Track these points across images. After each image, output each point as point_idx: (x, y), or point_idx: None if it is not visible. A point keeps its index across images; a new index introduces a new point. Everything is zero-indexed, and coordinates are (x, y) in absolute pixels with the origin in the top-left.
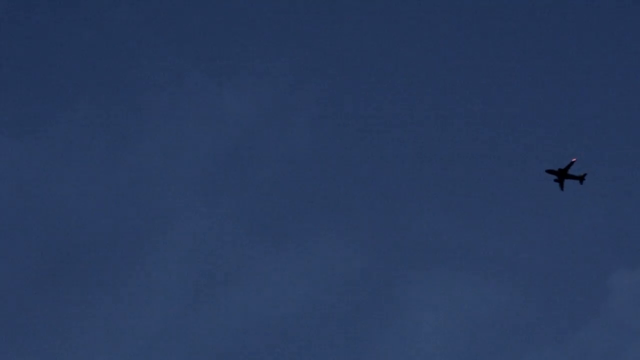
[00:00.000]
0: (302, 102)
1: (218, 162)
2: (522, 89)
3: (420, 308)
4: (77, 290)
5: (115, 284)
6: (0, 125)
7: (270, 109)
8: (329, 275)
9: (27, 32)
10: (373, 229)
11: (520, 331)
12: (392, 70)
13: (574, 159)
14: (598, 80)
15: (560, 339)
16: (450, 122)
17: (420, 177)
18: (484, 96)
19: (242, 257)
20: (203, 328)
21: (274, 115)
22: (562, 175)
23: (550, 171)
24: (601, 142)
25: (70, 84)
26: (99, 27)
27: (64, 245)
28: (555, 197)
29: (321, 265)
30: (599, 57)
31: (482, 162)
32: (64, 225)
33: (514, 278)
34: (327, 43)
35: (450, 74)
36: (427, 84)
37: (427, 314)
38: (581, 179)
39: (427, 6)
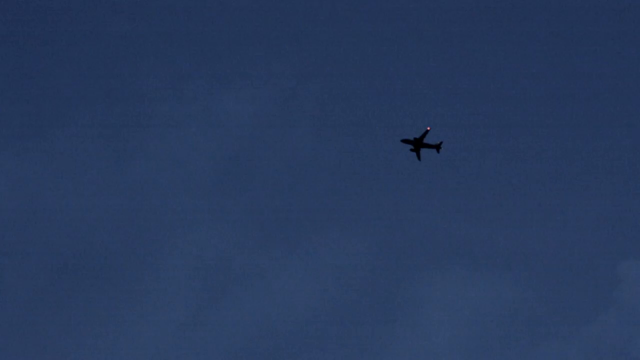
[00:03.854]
0: (303, 104)
1: (222, 167)
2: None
3: (431, 305)
4: (86, 299)
5: (123, 292)
6: (2, 138)
7: (272, 113)
8: (338, 276)
9: (26, 45)
10: (380, 228)
11: (533, 325)
12: (393, 70)
13: (428, 128)
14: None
15: (573, 331)
16: (454, 121)
17: (426, 175)
18: (485, 95)
19: (250, 261)
20: (213, 333)
21: (275, 119)
22: (417, 145)
23: (405, 141)
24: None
25: (70, 95)
26: (97, 38)
27: (71, 255)
28: (559, 188)
29: (329, 266)
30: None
31: (487, 159)
32: (70, 236)
33: (523, 272)
34: (326, 45)
35: (452, 72)
36: (429, 83)
37: (438, 311)
38: (437, 147)
39: (427, 9)
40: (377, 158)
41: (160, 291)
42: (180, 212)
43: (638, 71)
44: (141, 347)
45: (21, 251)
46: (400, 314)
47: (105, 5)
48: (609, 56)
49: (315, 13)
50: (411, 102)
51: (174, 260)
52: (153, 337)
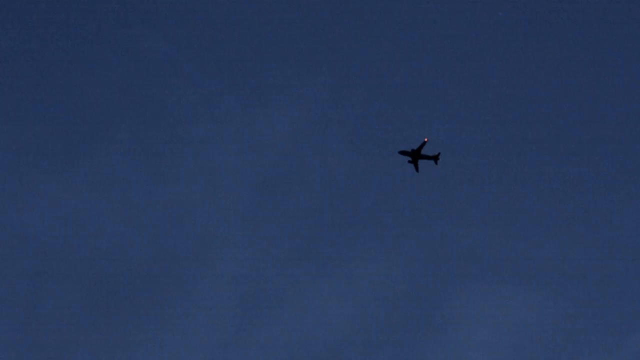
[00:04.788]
0: (337, 123)
1: (257, 187)
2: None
3: (470, 322)
4: (123, 320)
5: (161, 313)
6: (39, 159)
7: (306, 131)
8: (375, 295)
9: (63, 66)
10: (416, 246)
11: (574, 340)
12: (428, 87)
13: (425, 139)
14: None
15: (615, 345)
16: (485, 135)
17: (460, 191)
18: (514, 113)
19: (286, 281)
20: (251, 352)
21: (309, 137)
22: (415, 156)
23: (403, 152)
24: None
25: (106, 116)
26: (132, 58)
27: (108, 276)
28: (577, 205)
29: (366, 285)
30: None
31: (522, 173)
32: (108, 256)
33: (563, 287)
34: (359, 62)
35: (486, 89)
36: (466, 98)
37: (477, 327)
38: (435, 159)
39: (464, 26)
40: (413, 173)
41: (197, 311)
42: (217, 231)
43: None
44: None
45: (60, 271)
46: (439, 331)
47: (140, 27)
48: (621, 54)
49: (348, 30)
50: (444, 114)
51: (211, 279)
52: (191, 357)
